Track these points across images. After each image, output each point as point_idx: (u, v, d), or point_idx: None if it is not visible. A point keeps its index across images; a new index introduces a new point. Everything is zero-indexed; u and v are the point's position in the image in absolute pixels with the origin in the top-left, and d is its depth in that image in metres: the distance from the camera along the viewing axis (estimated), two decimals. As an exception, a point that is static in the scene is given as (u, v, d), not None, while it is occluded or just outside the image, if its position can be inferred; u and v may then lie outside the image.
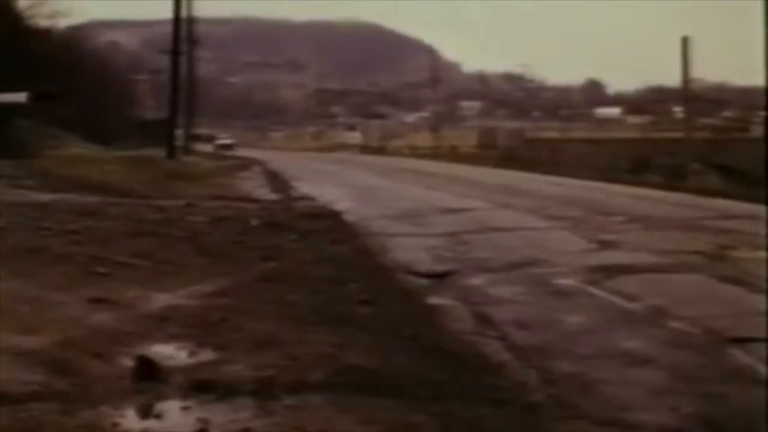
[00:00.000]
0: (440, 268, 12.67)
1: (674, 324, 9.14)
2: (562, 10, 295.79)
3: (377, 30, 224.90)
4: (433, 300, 10.50)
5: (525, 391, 6.77)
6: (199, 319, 7.95)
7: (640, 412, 6.42)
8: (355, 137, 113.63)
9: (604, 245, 14.79)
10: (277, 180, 33.02)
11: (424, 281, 11.76)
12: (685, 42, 41.75)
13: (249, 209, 18.50)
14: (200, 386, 5.98)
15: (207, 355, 6.84)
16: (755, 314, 9.41)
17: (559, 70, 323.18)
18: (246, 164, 45.50)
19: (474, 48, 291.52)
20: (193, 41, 58.02)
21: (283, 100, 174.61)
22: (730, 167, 35.69)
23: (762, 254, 13.21)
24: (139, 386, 6.00)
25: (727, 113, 73.97)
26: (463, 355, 7.76)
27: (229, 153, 70.96)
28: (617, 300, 10.40)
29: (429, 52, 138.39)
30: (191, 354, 6.87)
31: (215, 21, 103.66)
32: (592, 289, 11.02)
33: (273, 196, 24.62)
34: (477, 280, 11.80)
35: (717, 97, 72.42)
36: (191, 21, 56.07)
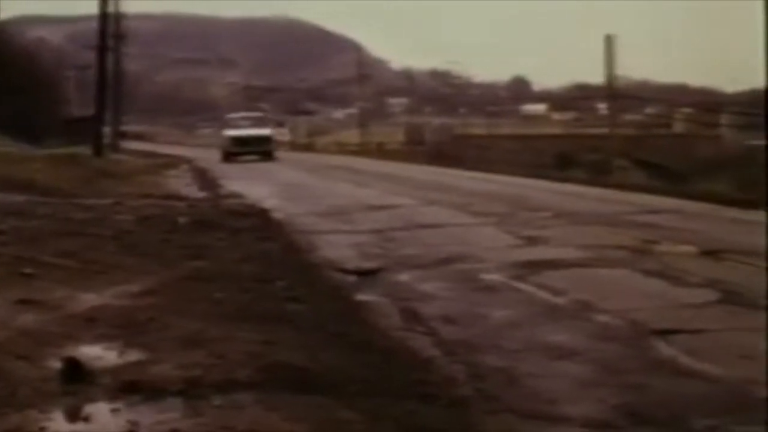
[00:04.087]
0: (368, 264, 12.70)
1: (600, 317, 9.28)
2: (489, 8, 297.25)
3: (305, 26, 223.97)
4: (361, 296, 10.54)
5: (453, 386, 6.84)
6: (126, 319, 7.89)
7: (566, 404, 6.53)
8: (282, 134, 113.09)
9: (530, 241, 14.92)
10: (204, 178, 32.78)
11: (352, 278, 11.80)
12: (608, 40, 42.50)
13: (177, 207, 18.37)
14: (128, 387, 5.94)
15: (135, 355, 6.80)
16: (678, 307, 9.64)
17: (486, 67, 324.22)
18: (174, 162, 45.08)
19: (401, 45, 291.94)
20: (120, 37, 57.29)
21: (212, 96, 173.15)
22: (652, 163, 36.29)
23: (684, 248, 13.55)
24: (67, 388, 5.95)
25: (650, 110, 74.79)
26: (392, 351, 7.80)
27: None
28: (543, 294, 10.51)
29: (356, 49, 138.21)
30: (119, 354, 6.83)
31: (143, 16, 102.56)
32: (518, 284, 11.13)
33: (201, 194, 24.45)
34: (404, 277, 11.86)
35: (640, 94, 73.32)
36: (118, 16, 55.43)
